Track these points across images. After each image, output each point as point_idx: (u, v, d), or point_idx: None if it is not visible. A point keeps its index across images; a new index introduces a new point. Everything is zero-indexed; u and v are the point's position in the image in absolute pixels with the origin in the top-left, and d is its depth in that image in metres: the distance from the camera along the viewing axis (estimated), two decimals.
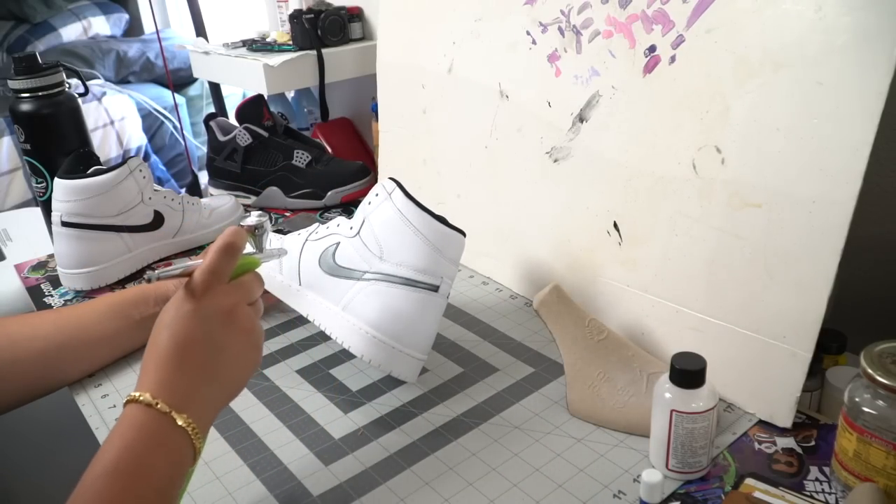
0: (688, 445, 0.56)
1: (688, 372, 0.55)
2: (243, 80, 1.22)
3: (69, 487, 0.47)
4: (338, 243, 0.71)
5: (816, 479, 0.58)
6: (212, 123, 1.18)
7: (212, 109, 2.08)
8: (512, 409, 0.67)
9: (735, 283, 0.64)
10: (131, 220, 0.94)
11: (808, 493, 0.56)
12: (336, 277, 0.70)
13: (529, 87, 0.82)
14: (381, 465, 0.61)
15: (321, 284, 0.71)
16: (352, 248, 0.70)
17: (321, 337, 0.80)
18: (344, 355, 0.77)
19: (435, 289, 0.68)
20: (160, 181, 2.42)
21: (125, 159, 0.92)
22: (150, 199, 0.95)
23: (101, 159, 0.99)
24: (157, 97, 2.61)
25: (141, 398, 0.49)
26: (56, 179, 0.89)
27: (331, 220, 0.76)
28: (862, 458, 0.53)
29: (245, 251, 0.57)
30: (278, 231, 0.99)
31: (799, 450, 0.61)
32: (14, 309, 1.08)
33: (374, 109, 1.09)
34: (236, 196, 1.15)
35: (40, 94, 0.97)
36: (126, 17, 3.04)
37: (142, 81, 2.75)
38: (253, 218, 0.61)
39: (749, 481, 0.57)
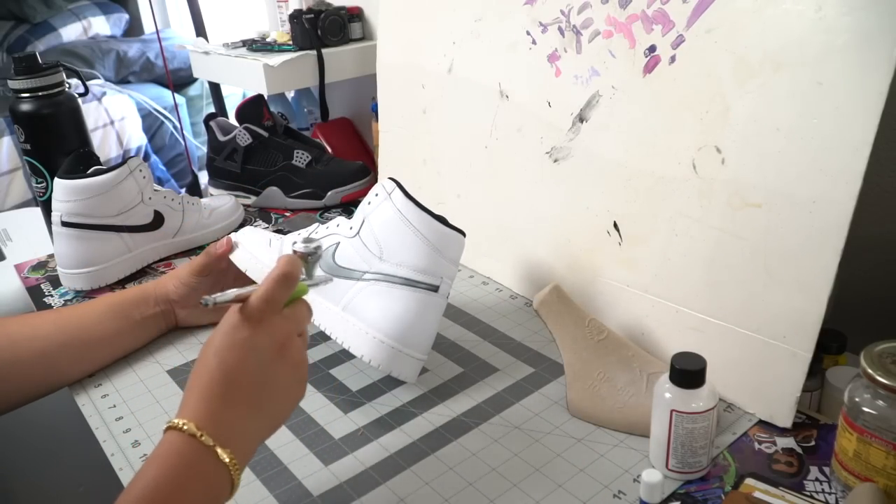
0: (688, 445, 0.56)
1: (688, 372, 0.55)
2: (243, 80, 1.22)
3: (69, 487, 0.47)
4: (338, 243, 0.71)
5: (816, 479, 0.58)
6: (212, 123, 1.18)
7: (212, 109, 2.08)
8: (512, 409, 0.67)
9: (735, 283, 0.64)
10: (131, 220, 0.94)
11: (808, 493, 0.56)
12: (336, 277, 0.70)
13: (529, 87, 0.82)
14: (381, 465, 0.61)
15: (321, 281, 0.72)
16: (352, 249, 0.70)
17: (321, 337, 0.80)
18: (344, 355, 0.77)
19: (435, 289, 0.68)
20: (160, 181, 2.42)
21: (125, 159, 0.92)
22: (150, 199, 0.95)
23: (101, 159, 0.99)
24: (157, 97, 2.61)
25: (185, 428, 0.47)
26: (56, 179, 0.89)
27: (331, 220, 0.76)
28: (862, 458, 0.53)
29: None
30: (278, 231, 0.99)
31: (799, 450, 0.61)
32: (14, 309, 1.08)
33: (374, 109, 1.09)
34: (236, 196, 1.15)
35: (40, 94, 0.97)
36: (126, 17, 3.04)
37: (142, 81, 2.75)
38: (306, 244, 0.58)
39: (749, 481, 0.57)
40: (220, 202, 1.09)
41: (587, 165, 0.77)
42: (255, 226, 0.99)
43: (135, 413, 0.70)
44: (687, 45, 0.66)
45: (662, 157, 0.69)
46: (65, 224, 0.90)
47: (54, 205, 0.90)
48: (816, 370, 0.64)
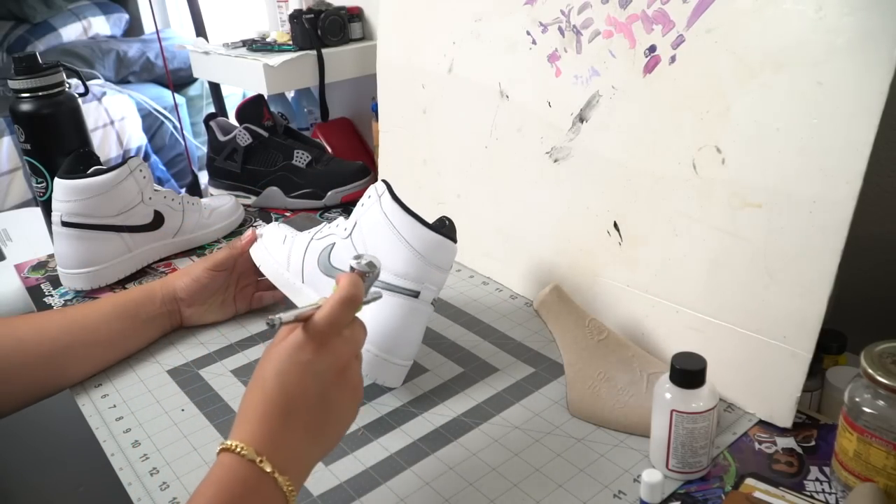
0: (688, 445, 0.56)
1: (688, 372, 0.55)
2: (243, 80, 1.22)
3: (69, 488, 0.47)
4: (333, 244, 0.72)
5: (816, 479, 0.58)
6: (212, 123, 1.18)
7: (212, 109, 2.08)
8: (512, 409, 0.67)
9: (735, 283, 0.64)
10: (131, 220, 0.94)
11: (808, 493, 0.56)
12: (331, 278, 0.71)
13: (529, 87, 0.82)
14: (381, 465, 0.61)
15: (319, 283, 0.72)
16: (344, 250, 0.70)
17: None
18: None
19: (415, 294, 0.67)
20: (160, 181, 2.42)
21: (125, 159, 0.92)
22: (150, 199, 0.95)
23: (101, 159, 0.99)
24: (157, 97, 2.61)
25: (244, 452, 0.46)
26: (56, 179, 0.89)
27: (333, 219, 0.76)
28: (862, 458, 0.53)
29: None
30: None
31: (799, 450, 0.61)
32: (14, 309, 1.08)
33: (374, 109, 1.09)
34: (236, 196, 1.15)
35: (40, 94, 0.97)
36: (126, 17, 3.04)
37: (142, 81, 2.75)
38: (364, 261, 0.57)
39: (749, 481, 0.57)
40: (221, 202, 1.09)
41: (587, 165, 0.77)
42: (256, 226, 0.99)
43: (135, 413, 0.70)
44: (687, 45, 0.66)
45: (662, 157, 0.69)
46: (65, 224, 0.90)
47: (54, 205, 0.90)
48: (816, 370, 0.64)
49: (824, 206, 0.57)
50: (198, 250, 1.04)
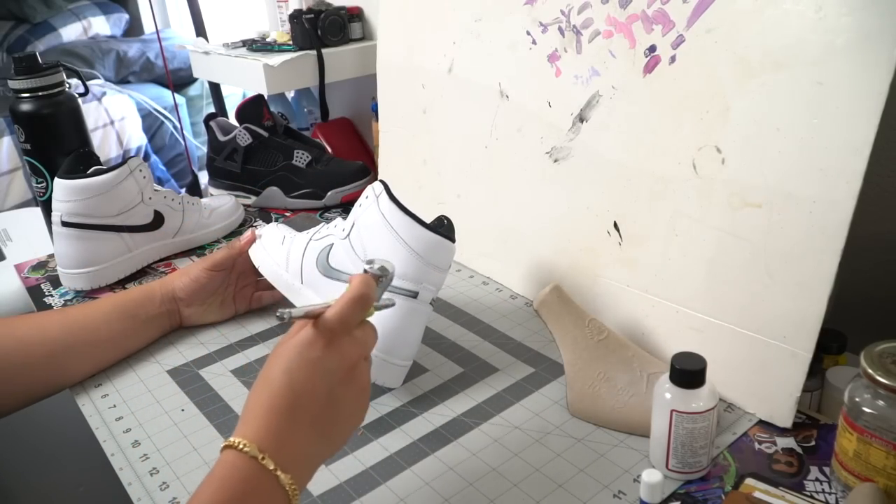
0: (688, 445, 0.56)
1: (688, 372, 0.55)
2: (243, 80, 1.22)
3: (69, 487, 0.47)
4: (331, 245, 0.72)
5: (816, 479, 0.58)
6: (212, 123, 1.18)
7: (212, 109, 2.08)
8: (512, 409, 0.67)
9: (735, 283, 0.64)
10: (131, 220, 0.94)
11: (808, 493, 0.56)
12: (329, 279, 0.71)
13: (529, 87, 0.82)
14: (381, 465, 0.61)
15: (318, 284, 0.72)
16: (342, 251, 0.71)
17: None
18: None
19: (414, 295, 0.67)
20: (160, 181, 2.42)
21: (125, 159, 0.92)
22: (150, 199, 0.95)
23: (101, 159, 0.99)
24: (157, 97, 2.61)
25: (247, 449, 0.45)
26: (56, 179, 0.89)
27: (332, 220, 0.76)
28: (862, 458, 0.53)
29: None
30: None
31: (799, 450, 0.61)
32: (14, 309, 1.08)
33: (374, 109, 1.09)
34: (236, 196, 1.15)
35: (40, 94, 0.97)
36: (126, 17, 3.04)
37: (142, 81, 2.75)
38: (377, 265, 0.56)
39: (749, 481, 0.57)
40: (221, 202, 1.09)
41: (587, 165, 0.77)
42: (256, 226, 0.99)
43: (135, 413, 0.70)
44: (687, 45, 0.66)
45: (662, 157, 0.69)
46: (65, 224, 0.90)
47: (54, 205, 0.90)
48: (816, 370, 0.64)
49: (824, 205, 0.57)
50: (198, 250, 1.04)
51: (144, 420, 0.69)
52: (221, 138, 1.17)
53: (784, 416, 0.63)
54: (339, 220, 0.74)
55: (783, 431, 0.63)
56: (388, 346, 0.67)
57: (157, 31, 1.50)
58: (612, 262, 0.75)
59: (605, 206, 0.75)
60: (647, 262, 0.72)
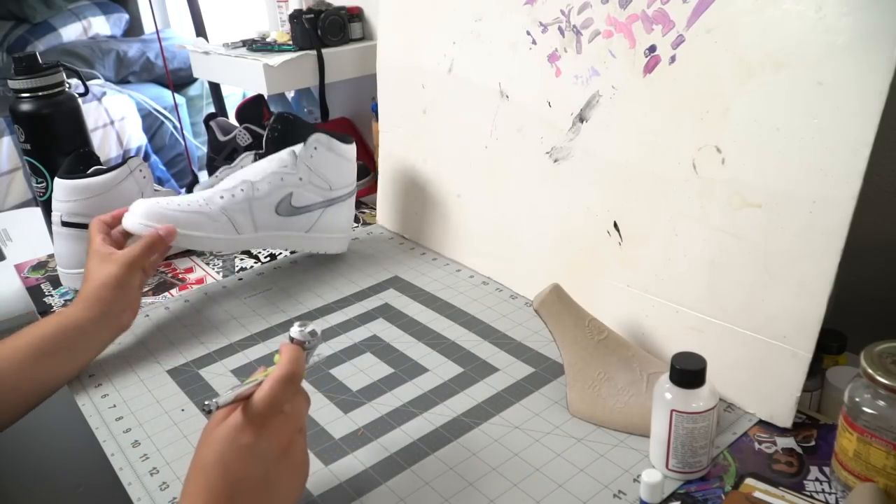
0: (688, 445, 0.56)
1: (688, 372, 0.55)
2: (243, 80, 1.22)
3: (69, 487, 0.47)
4: (290, 193, 0.88)
5: (816, 479, 0.58)
6: (212, 123, 1.18)
7: (212, 109, 2.08)
8: (512, 409, 0.67)
9: (735, 283, 0.64)
10: None
11: (808, 493, 0.56)
12: (295, 216, 0.89)
13: (529, 87, 0.82)
14: (381, 465, 0.61)
15: (281, 224, 0.88)
16: (305, 192, 0.89)
17: (321, 337, 0.80)
18: (344, 355, 0.77)
19: (351, 195, 0.95)
20: (160, 181, 2.42)
21: (125, 159, 0.93)
22: None
23: (101, 159, 0.99)
24: (157, 97, 2.61)
25: None
26: (56, 179, 0.89)
27: (222, 177, 0.91)
28: (862, 458, 0.53)
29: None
30: None
31: (799, 450, 0.61)
32: (14, 309, 1.08)
33: (374, 109, 1.09)
34: None
35: (40, 94, 0.97)
36: (126, 17, 3.04)
37: (142, 81, 2.75)
38: (308, 329, 0.56)
39: (749, 481, 0.57)
40: None
41: (587, 165, 0.77)
42: None
43: (135, 413, 0.70)
44: (687, 45, 0.66)
45: (662, 157, 0.69)
46: (65, 224, 0.90)
47: (54, 205, 0.90)
48: (816, 370, 0.64)
49: (824, 206, 0.57)
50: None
51: (144, 420, 0.69)
52: (221, 138, 1.17)
53: (784, 416, 0.63)
54: (251, 171, 0.86)
55: (783, 431, 0.63)
56: (348, 228, 0.93)
57: (157, 31, 1.50)
58: (612, 262, 0.75)
59: (605, 206, 0.75)
60: (647, 262, 0.72)
